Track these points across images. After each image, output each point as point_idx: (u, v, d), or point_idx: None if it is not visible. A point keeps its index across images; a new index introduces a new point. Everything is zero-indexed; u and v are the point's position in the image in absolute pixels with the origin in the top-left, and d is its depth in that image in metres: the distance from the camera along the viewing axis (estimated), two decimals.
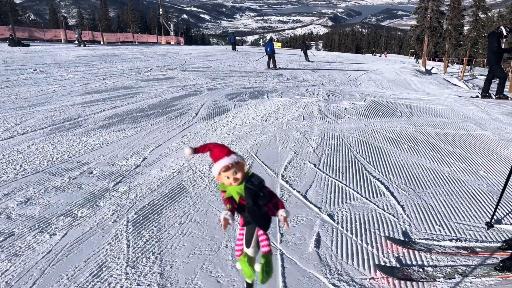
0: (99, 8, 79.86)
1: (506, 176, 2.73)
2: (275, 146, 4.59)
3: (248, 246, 1.26)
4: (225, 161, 1.16)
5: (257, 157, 4.15)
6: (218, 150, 1.18)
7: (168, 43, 51.19)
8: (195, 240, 2.49)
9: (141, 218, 2.77)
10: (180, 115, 6.16)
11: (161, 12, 61.14)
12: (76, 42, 29.25)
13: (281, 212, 1.20)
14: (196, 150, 1.17)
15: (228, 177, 1.17)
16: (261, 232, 1.23)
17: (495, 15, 53.78)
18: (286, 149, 4.46)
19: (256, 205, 1.17)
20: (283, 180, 3.51)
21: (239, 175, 1.17)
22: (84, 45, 28.07)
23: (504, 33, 10.04)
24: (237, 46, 34.70)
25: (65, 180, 3.39)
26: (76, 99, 7.06)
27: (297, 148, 4.50)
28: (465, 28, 41.11)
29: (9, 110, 5.87)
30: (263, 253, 1.24)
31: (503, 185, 2.75)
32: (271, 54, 18.01)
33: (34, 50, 19.02)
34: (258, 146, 4.54)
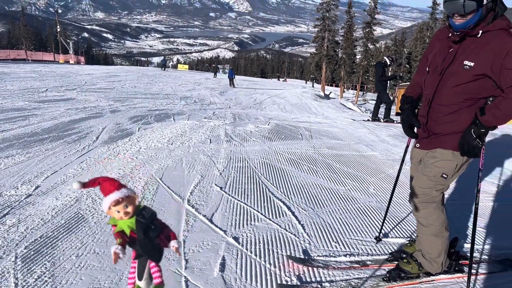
0: None
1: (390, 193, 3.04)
2: (181, 170, 4.56)
3: (140, 278, 1.25)
4: (115, 195, 1.14)
5: (162, 182, 4.08)
6: (108, 184, 1.16)
7: (67, 62, 48.24)
8: (94, 272, 2.36)
9: (32, 252, 2.54)
10: (79, 139, 5.81)
11: (58, 29, 57.59)
12: None
13: (172, 243, 1.23)
14: (85, 185, 1.14)
15: (118, 211, 1.15)
16: (153, 264, 1.24)
17: (382, 46, 60.00)
18: (192, 173, 4.45)
19: (148, 237, 1.17)
20: (189, 205, 3.49)
21: (129, 209, 1.16)
22: None
23: (388, 63, 11.29)
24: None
25: None
26: None
27: (203, 172, 4.52)
28: (357, 57, 45.17)
29: None
30: (155, 284, 1.25)
31: (387, 202, 3.05)
32: (232, 78, 25.25)
33: None
34: (163, 171, 4.46)
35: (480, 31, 2.08)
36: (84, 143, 5.56)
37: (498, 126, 2.16)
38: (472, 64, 2.08)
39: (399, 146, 6.98)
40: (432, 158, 2.30)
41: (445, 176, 2.26)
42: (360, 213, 3.57)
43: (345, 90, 46.49)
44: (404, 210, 3.74)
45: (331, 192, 4.08)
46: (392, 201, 3.06)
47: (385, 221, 3.14)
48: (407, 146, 2.91)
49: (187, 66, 78.20)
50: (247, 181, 4.30)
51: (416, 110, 2.50)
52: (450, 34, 2.20)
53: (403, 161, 2.92)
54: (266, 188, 4.08)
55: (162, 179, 4.19)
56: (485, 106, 2.14)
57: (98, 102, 10.64)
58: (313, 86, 47.81)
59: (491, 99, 2.15)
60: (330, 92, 38.75)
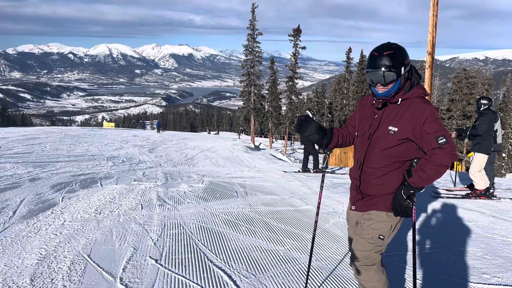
0: None
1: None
2: (111, 243, 4.25)
3: None
4: None
5: (90, 259, 3.75)
6: None
7: None
8: None
9: None
10: None
11: None
12: None
13: None
14: None
15: None
16: None
17: (305, 97, 63.47)
18: (124, 245, 4.16)
19: None
20: (122, 283, 3.23)
21: None
22: None
23: (311, 116, 11.87)
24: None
25: None
26: None
27: (136, 243, 4.25)
28: (283, 108, 47.22)
29: None
30: None
31: (308, 260, 3.06)
32: (158, 127, 27.67)
33: None
34: (92, 246, 4.13)
35: (400, 99, 2.27)
36: None
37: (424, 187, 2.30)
38: (396, 129, 2.24)
39: (331, 197, 7.18)
40: (368, 220, 2.37)
41: (382, 237, 2.32)
42: (302, 275, 3.52)
43: (273, 140, 47.91)
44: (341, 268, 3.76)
45: (271, 254, 4.02)
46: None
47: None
48: (319, 203, 2.95)
49: (113, 124, 76.15)
50: (184, 249, 4.11)
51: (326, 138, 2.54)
52: (374, 102, 2.36)
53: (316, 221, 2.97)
54: (205, 256, 3.92)
55: (91, 255, 3.86)
56: (411, 168, 2.28)
57: (15, 169, 9.84)
58: (239, 137, 48.78)
59: (415, 160, 2.30)
60: (260, 143, 39.70)
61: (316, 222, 2.87)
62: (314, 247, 4.25)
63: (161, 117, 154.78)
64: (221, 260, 3.82)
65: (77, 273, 3.44)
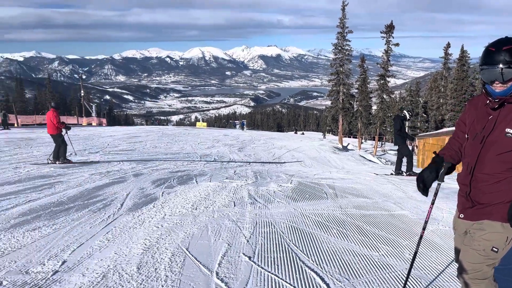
0: (14, 90, 76.68)
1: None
2: (207, 238, 4.45)
3: None
4: None
5: (189, 252, 3.97)
6: None
7: (89, 124, 49.86)
8: None
9: None
10: (104, 207, 5.81)
11: (82, 94, 60.18)
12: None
13: None
14: None
15: None
16: None
17: (397, 96, 60.46)
18: (219, 241, 4.34)
19: None
20: (218, 278, 3.36)
21: None
22: (8, 129, 26.81)
23: (408, 117, 11.26)
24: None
25: None
26: None
27: (230, 239, 4.40)
28: (373, 108, 45.51)
29: None
30: None
31: (407, 271, 2.87)
32: (243, 126, 29.95)
33: None
34: (189, 239, 4.37)
35: None
36: (109, 211, 5.55)
37: None
38: None
39: (427, 202, 6.74)
40: (480, 231, 2.18)
41: (496, 249, 2.12)
42: (399, 283, 3.36)
43: (363, 141, 46.41)
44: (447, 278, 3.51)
45: (364, 259, 3.89)
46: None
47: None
48: (428, 217, 2.72)
49: (205, 124, 79.80)
50: (276, 249, 4.16)
51: (441, 171, 2.40)
52: (488, 101, 2.16)
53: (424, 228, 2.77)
54: (296, 257, 3.92)
55: (189, 249, 4.08)
56: None
57: (121, 165, 10.79)
58: (324, 137, 48.00)
59: None
60: (348, 144, 38.73)
61: (421, 236, 2.70)
62: (411, 255, 4.03)
63: (249, 117, 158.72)
64: (313, 261, 3.80)
65: (177, 264, 3.66)
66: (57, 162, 10.96)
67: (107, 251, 4.00)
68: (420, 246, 4.33)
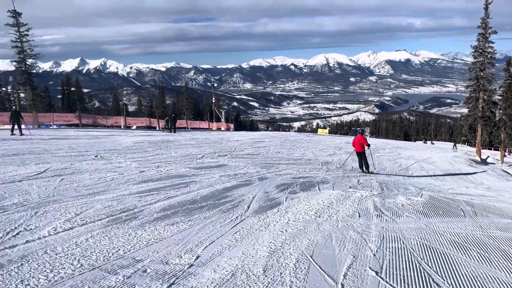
0: (157, 96, 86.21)
1: None
2: (331, 247, 4.38)
3: None
4: None
5: (313, 260, 3.95)
6: None
7: (219, 129, 53.47)
8: None
9: None
10: (233, 208, 6.13)
11: (213, 101, 64.85)
12: (164, 129, 32.35)
13: None
14: None
15: None
16: None
17: None
18: (343, 252, 4.23)
19: None
20: None
21: None
22: (174, 131, 30.28)
23: None
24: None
25: (120, 279, 3.35)
26: (132, 188, 7.29)
27: (355, 251, 4.26)
28: None
29: (71, 198, 6.13)
30: None
31: None
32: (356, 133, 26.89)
33: (96, 136, 20.39)
34: (313, 247, 4.35)
35: None
36: (237, 212, 5.84)
37: None
38: None
39: None
40: None
41: None
42: None
43: (506, 154, 41.05)
44: None
45: None
46: None
47: None
48: None
49: (327, 130, 79.30)
50: (405, 266, 3.89)
51: None
52: None
53: None
54: (429, 277, 3.61)
55: (313, 256, 4.06)
56: None
57: (247, 168, 11.29)
58: (455, 148, 43.60)
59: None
60: (488, 157, 34.62)
61: None
62: None
63: (373, 124, 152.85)
64: (449, 285, 3.46)
65: (301, 271, 3.67)
66: (364, 171, 13.30)
67: (235, 250, 4.20)
68: None
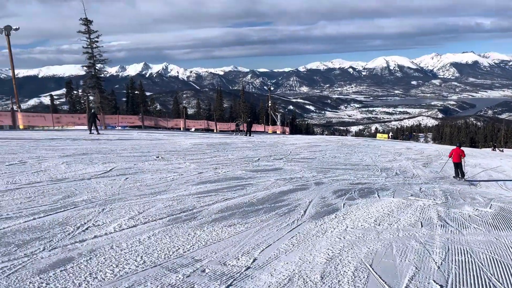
0: (215, 100, 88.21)
1: None
2: (392, 257, 4.21)
3: None
4: None
5: (373, 269, 3.82)
6: None
7: (274, 132, 53.63)
8: None
9: None
10: (289, 212, 6.11)
11: (270, 104, 65.21)
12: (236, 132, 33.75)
13: None
14: None
15: None
16: None
17: None
18: (405, 262, 4.06)
19: None
20: None
21: None
22: (249, 135, 31.34)
23: None
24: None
25: (180, 278, 3.45)
26: (191, 188, 7.50)
27: (418, 262, 4.07)
28: None
29: (134, 197, 6.42)
30: None
31: None
32: (410, 138, 24.71)
33: (157, 138, 21.24)
34: (373, 256, 4.21)
35: None
36: (293, 217, 5.80)
37: None
38: None
39: None
40: None
41: None
42: None
43: None
44: None
45: None
46: None
47: None
48: None
49: (386, 135, 76.78)
50: (474, 281, 3.65)
51: None
52: None
53: None
54: None
55: (372, 266, 3.93)
56: None
57: (303, 172, 11.20)
58: (494, 149, 40.30)
59: None
60: None
61: None
62: None
63: (436, 129, 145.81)
64: None
65: (360, 280, 3.57)
66: (457, 179, 13.84)
67: (292, 255, 4.17)
68: None
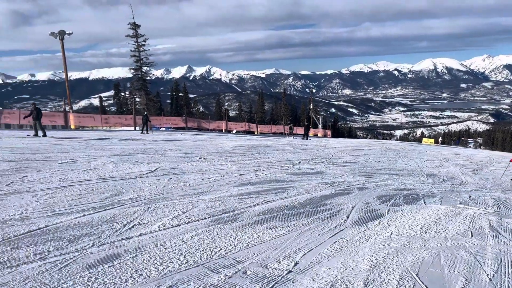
0: (256, 102, 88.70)
1: None
2: (439, 267, 4.05)
3: None
4: None
5: (419, 279, 3.69)
6: None
7: (315, 135, 53.17)
8: None
9: None
10: (331, 217, 6.02)
11: (311, 107, 64.76)
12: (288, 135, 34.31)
13: None
14: None
15: None
16: None
17: None
18: (454, 273, 3.88)
19: None
20: None
21: None
22: (306, 138, 31.68)
23: None
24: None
25: (222, 278, 3.48)
26: (233, 190, 7.57)
27: (468, 274, 3.88)
28: None
29: (178, 197, 6.56)
30: None
31: None
32: (458, 144, 23.10)
33: (200, 139, 21.63)
34: (419, 265, 4.06)
35: None
36: (335, 222, 5.71)
37: None
38: None
39: None
40: None
41: None
42: None
43: None
44: None
45: None
46: None
47: None
48: None
49: (432, 140, 74.11)
50: None
51: None
52: None
53: None
54: None
55: (419, 275, 3.79)
56: None
57: (345, 177, 11.01)
58: None
59: None
60: None
61: None
62: None
63: (487, 135, 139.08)
64: None
65: None
66: None
67: (334, 260, 4.10)
68: None
